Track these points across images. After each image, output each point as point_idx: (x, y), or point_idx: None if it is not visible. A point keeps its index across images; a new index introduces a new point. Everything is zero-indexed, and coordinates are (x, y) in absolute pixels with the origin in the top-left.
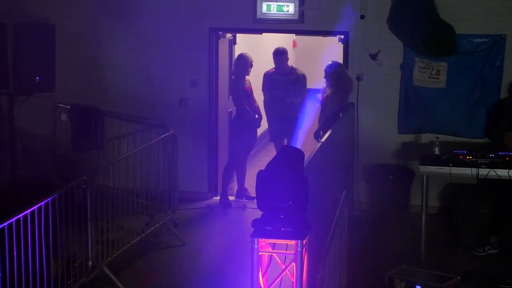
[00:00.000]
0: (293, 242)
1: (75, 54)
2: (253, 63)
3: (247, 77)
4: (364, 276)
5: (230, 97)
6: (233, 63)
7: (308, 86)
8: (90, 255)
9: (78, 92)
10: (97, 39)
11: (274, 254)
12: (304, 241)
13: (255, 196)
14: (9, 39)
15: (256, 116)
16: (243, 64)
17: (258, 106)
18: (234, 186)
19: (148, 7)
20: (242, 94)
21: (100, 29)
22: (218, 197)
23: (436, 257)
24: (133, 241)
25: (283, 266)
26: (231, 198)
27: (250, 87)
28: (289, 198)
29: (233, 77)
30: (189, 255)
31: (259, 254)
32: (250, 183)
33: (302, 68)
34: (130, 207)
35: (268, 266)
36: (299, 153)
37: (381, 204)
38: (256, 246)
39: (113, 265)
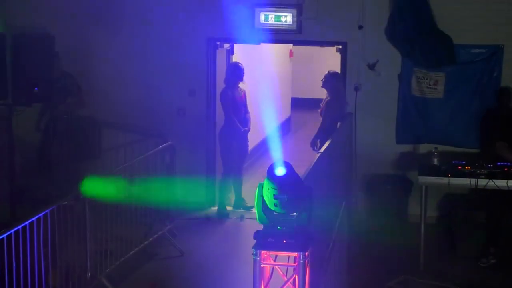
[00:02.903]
0: (295, 254)
1: (73, 65)
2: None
3: (241, 86)
4: (365, 287)
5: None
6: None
7: (304, 96)
8: (88, 266)
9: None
10: (95, 49)
11: (276, 266)
12: (306, 253)
13: (252, 206)
14: (8, 50)
15: (245, 128)
16: (234, 72)
17: (249, 117)
18: (232, 196)
19: (146, 17)
20: (230, 103)
21: (98, 39)
22: (216, 207)
23: (435, 267)
24: (132, 252)
25: (285, 279)
26: (229, 208)
27: (243, 96)
28: (292, 209)
29: (224, 85)
30: (188, 266)
31: (261, 266)
32: (248, 194)
33: (298, 78)
34: (129, 217)
35: (270, 278)
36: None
37: (379, 214)
38: (258, 258)
39: (112, 276)
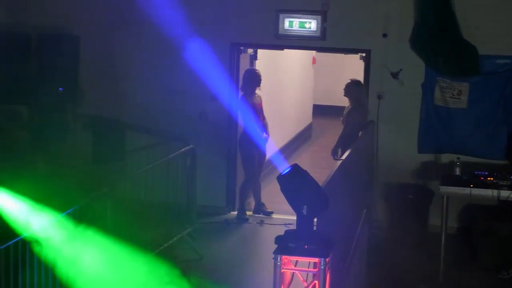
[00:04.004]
0: (316, 260)
1: (98, 66)
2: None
3: (257, 93)
4: None
5: None
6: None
7: (326, 103)
8: None
9: (100, 104)
10: (119, 52)
11: (297, 272)
12: (327, 259)
13: (272, 211)
14: (33, 50)
15: (264, 134)
16: (252, 79)
17: (266, 123)
18: (252, 201)
19: (170, 21)
20: (248, 110)
21: (122, 42)
22: (236, 212)
23: (455, 278)
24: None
25: (306, 284)
26: (249, 213)
27: (260, 103)
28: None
29: (241, 93)
30: (206, 269)
31: (282, 271)
32: (268, 198)
33: (321, 85)
34: (149, 219)
35: (290, 283)
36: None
37: (400, 223)
38: (279, 263)
39: None
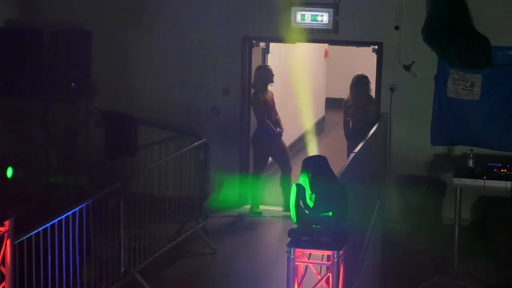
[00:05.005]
0: (329, 252)
1: (110, 61)
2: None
3: (269, 88)
4: None
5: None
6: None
7: (338, 96)
8: (122, 261)
9: (112, 99)
10: (132, 46)
11: (310, 265)
12: (340, 252)
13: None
14: (45, 46)
15: (278, 129)
16: (262, 76)
17: (279, 118)
18: (265, 195)
19: (182, 15)
20: (262, 106)
21: (135, 37)
22: (249, 206)
23: (469, 270)
24: (165, 248)
25: (319, 277)
26: (262, 207)
27: (272, 99)
28: (326, 208)
29: (253, 90)
30: (220, 263)
31: (295, 264)
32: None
33: (333, 78)
34: (162, 214)
35: (303, 276)
36: (322, 159)
37: (413, 215)
38: (292, 256)
39: (145, 272)
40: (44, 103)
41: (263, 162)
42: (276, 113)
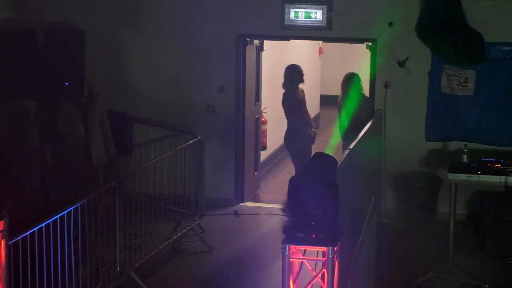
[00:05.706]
0: (324, 248)
1: (104, 60)
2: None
3: (300, 86)
4: (392, 284)
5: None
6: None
7: (333, 93)
8: (118, 260)
9: (107, 98)
10: (126, 45)
11: (305, 261)
12: (335, 248)
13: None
14: (39, 45)
15: (312, 129)
16: (292, 75)
17: (309, 117)
18: (261, 193)
19: (176, 13)
20: (294, 107)
21: (129, 36)
22: (245, 203)
23: (464, 264)
24: (161, 247)
25: (314, 273)
26: (259, 204)
27: (303, 98)
28: (320, 204)
29: (285, 89)
30: (216, 261)
31: (290, 260)
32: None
33: (327, 75)
34: (158, 212)
35: (299, 272)
36: (332, 160)
37: (408, 211)
38: (287, 253)
39: (141, 271)
40: (38, 102)
41: (308, 155)
42: (306, 111)
